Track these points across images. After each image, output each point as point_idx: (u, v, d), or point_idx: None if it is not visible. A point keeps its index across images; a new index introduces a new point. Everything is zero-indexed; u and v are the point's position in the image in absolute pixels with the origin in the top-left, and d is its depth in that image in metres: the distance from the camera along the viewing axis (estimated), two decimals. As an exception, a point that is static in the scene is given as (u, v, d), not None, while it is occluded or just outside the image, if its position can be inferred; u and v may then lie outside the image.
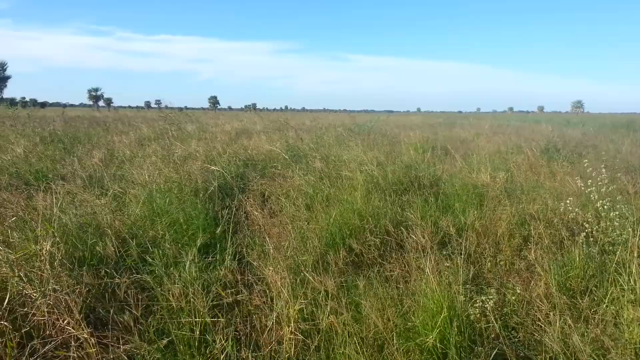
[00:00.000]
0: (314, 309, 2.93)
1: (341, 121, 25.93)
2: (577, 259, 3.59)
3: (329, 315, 2.82)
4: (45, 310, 2.57)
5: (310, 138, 10.85)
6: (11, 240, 3.42)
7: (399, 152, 8.75)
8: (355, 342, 2.58)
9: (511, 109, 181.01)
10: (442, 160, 8.44)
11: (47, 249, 2.79)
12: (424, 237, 3.73)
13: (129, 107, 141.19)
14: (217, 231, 4.36)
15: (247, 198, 5.63)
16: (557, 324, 2.66)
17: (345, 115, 41.94)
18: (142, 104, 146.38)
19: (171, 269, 3.31)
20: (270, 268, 3.04)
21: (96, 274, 3.31)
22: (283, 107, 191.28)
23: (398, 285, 3.19)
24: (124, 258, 3.69)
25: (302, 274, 3.30)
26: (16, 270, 2.71)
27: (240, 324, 3.00)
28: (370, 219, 4.57)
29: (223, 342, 2.61)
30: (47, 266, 2.71)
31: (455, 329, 2.58)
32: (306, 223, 4.51)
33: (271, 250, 3.36)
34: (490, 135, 16.14)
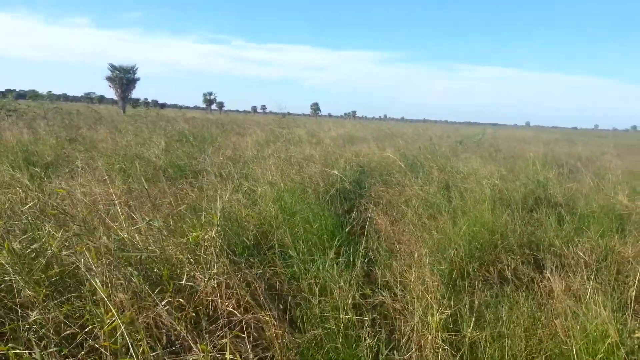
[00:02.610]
0: (457, 319, 2.89)
1: (445, 132, 25.23)
2: None
3: (473, 328, 2.76)
4: (210, 291, 2.83)
5: (422, 148, 10.70)
6: (171, 227, 3.79)
7: (521, 167, 8.31)
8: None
9: (634, 127, 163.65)
10: (569, 178, 7.89)
11: (212, 235, 3.08)
12: (568, 258, 3.51)
13: (237, 110, 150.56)
14: (345, 233, 4.46)
15: (367, 203, 5.69)
16: None
17: (447, 127, 40.72)
18: (249, 108, 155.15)
19: (307, 265, 3.47)
20: (414, 273, 3.05)
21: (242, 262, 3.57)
22: (382, 116, 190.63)
23: (548, 303, 3.02)
24: (264, 250, 3.94)
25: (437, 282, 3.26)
26: (186, 253, 3.02)
27: (378, 325, 3.04)
28: (501, 234, 4.41)
29: (368, 340, 2.67)
30: (212, 251, 2.98)
31: (624, 358, 2.38)
32: (434, 233, 4.46)
33: (415, 256, 3.37)
34: (621, 154, 14.72)
